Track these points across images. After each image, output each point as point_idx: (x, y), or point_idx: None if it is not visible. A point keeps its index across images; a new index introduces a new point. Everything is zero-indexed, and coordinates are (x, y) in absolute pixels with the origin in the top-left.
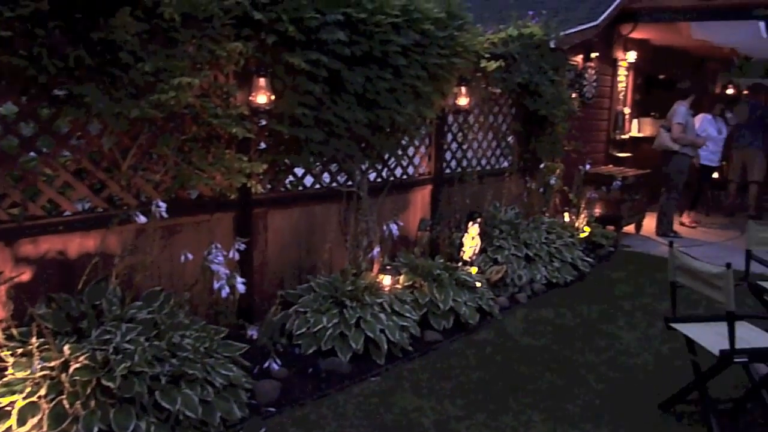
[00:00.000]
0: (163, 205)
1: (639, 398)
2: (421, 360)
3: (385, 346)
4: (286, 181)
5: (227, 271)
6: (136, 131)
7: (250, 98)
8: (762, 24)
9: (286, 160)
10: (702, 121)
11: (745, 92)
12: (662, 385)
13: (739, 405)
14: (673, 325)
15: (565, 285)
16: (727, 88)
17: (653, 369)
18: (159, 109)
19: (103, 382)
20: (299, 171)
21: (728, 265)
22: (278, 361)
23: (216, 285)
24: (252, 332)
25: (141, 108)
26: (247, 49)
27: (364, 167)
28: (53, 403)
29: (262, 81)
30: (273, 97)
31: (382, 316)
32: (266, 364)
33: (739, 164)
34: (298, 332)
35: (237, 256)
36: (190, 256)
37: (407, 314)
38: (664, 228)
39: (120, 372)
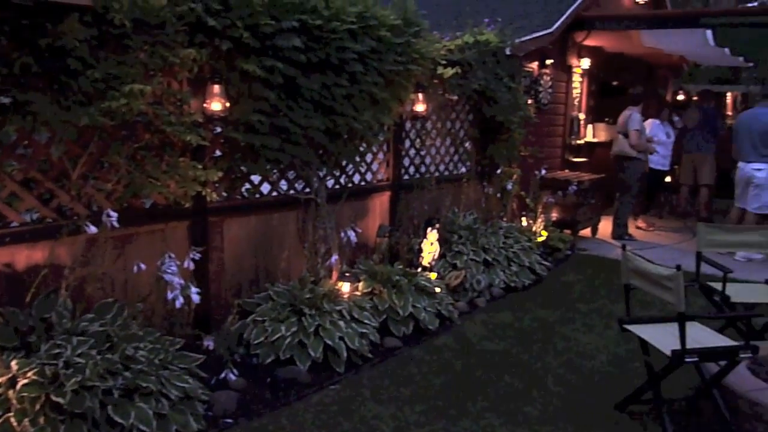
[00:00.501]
0: (114, 215)
1: (596, 399)
2: (380, 367)
3: (345, 354)
4: (243, 189)
5: (181, 281)
6: (87, 139)
7: (205, 105)
8: (709, 32)
9: (242, 168)
10: (652, 126)
11: (695, 98)
12: (618, 386)
13: (691, 404)
14: (627, 326)
15: (523, 289)
16: (677, 94)
17: (609, 370)
18: (110, 117)
19: (53, 397)
20: (256, 178)
21: (678, 267)
22: (235, 371)
23: (170, 295)
24: (208, 342)
25: (91, 115)
26: (201, 56)
27: (321, 174)
28: (0, 420)
29: (216, 88)
30: (228, 104)
31: (341, 323)
32: (223, 375)
33: (690, 168)
34: (256, 341)
35: (192, 266)
36: (143, 267)
37: (366, 321)
38: (619, 231)
39: (70, 387)
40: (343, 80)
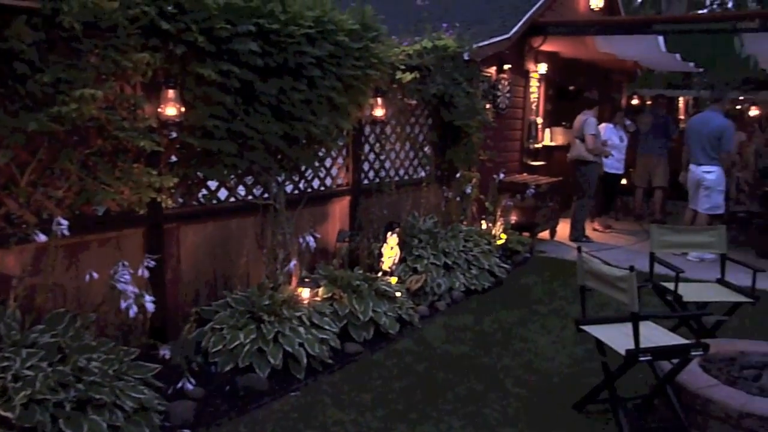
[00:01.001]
0: (64, 223)
1: (554, 400)
2: (341, 372)
3: (305, 360)
4: (200, 195)
5: (135, 290)
6: (36, 145)
7: (159, 110)
8: (660, 38)
9: (199, 173)
10: (606, 130)
11: (649, 102)
12: (576, 386)
13: (646, 402)
14: (583, 327)
15: (483, 291)
16: (631, 99)
17: (567, 370)
18: (60, 122)
19: (1, 412)
20: (213, 184)
21: (631, 268)
22: (192, 380)
23: (123, 305)
24: (164, 352)
25: (39, 121)
26: (155, 60)
27: (280, 179)
28: None
29: (171, 92)
30: (183, 109)
31: (301, 329)
32: (180, 385)
33: (644, 171)
34: (215, 350)
35: (146, 274)
36: (96, 275)
37: (327, 327)
38: (576, 233)
39: (19, 401)
40: (301, 85)
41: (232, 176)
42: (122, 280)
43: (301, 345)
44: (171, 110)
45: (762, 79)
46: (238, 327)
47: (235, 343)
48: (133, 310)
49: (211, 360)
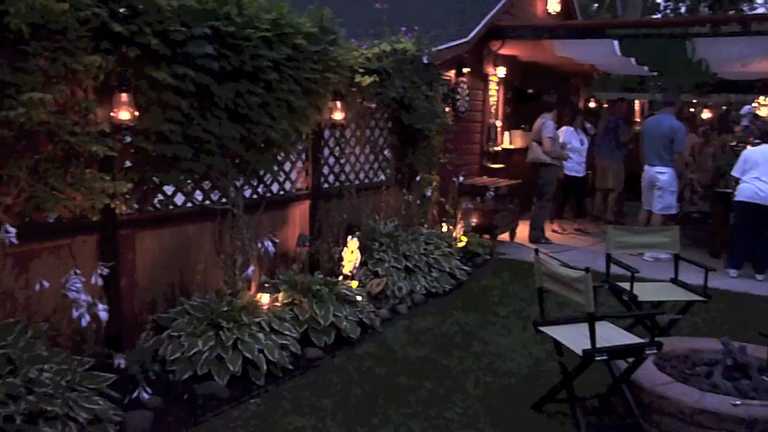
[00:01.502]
0: (12, 231)
1: (514, 401)
2: (302, 378)
3: (265, 366)
4: (155, 201)
5: (88, 299)
6: None
7: (112, 114)
8: (616, 43)
9: (154, 179)
10: (566, 133)
11: (605, 106)
12: (535, 387)
13: (603, 400)
14: (541, 328)
15: (444, 294)
16: (589, 102)
17: (527, 371)
18: (8, 127)
19: None
20: (170, 189)
21: (587, 270)
22: (148, 389)
23: (75, 314)
24: (119, 361)
25: None
26: (107, 63)
27: (238, 184)
28: None
29: (124, 96)
30: (137, 113)
31: (261, 335)
32: (136, 394)
33: (600, 173)
34: (172, 357)
35: (100, 282)
36: (46, 284)
37: (287, 332)
38: (536, 235)
39: None
40: (258, 88)
41: (189, 181)
42: (74, 288)
43: (260, 351)
44: (124, 114)
45: (714, 83)
46: (197, 334)
47: (194, 351)
48: (86, 319)
49: (169, 368)
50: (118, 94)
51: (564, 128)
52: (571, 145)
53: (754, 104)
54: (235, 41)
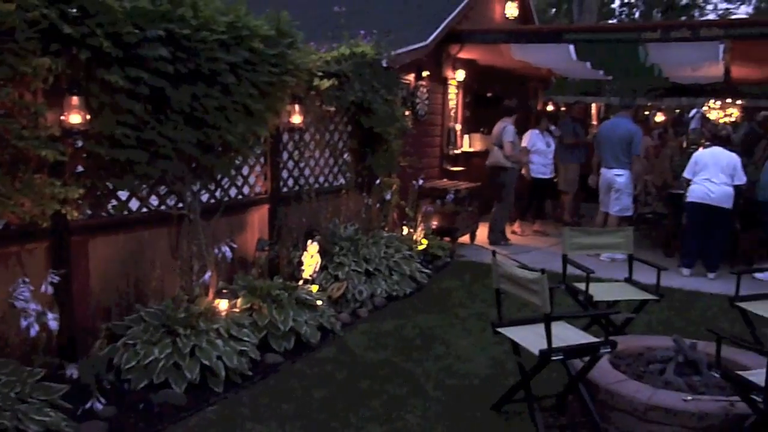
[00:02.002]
0: None
1: (473, 402)
2: (261, 384)
3: (223, 373)
4: (109, 206)
5: (37, 307)
6: None
7: (62, 118)
8: (571, 47)
9: (108, 184)
10: (531, 137)
11: (563, 109)
12: (495, 387)
13: (560, 399)
14: (499, 329)
15: (404, 297)
16: (547, 105)
17: (487, 373)
18: None
19: None
20: (124, 194)
21: (542, 271)
22: (102, 399)
23: (24, 323)
24: (71, 371)
25: None
26: (57, 66)
27: (195, 188)
28: None
29: (75, 99)
30: (89, 117)
31: (219, 342)
32: (89, 405)
33: (558, 175)
34: (128, 366)
35: (50, 290)
36: None
37: (246, 338)
38: (495, 237)
39: None
40: (214, 92)
41: (144, 186)
42: (21, 297)
43: (219, 358)
44: (75, 118)
45: (667, 87)
46: (153, 342)
47: (150, 359)
48: (35, 329)
49: (124, 377)
50: (68, 98)
51: (530, 131)
52: (536, 147)
53: (704, 107)
54: (190, 44)
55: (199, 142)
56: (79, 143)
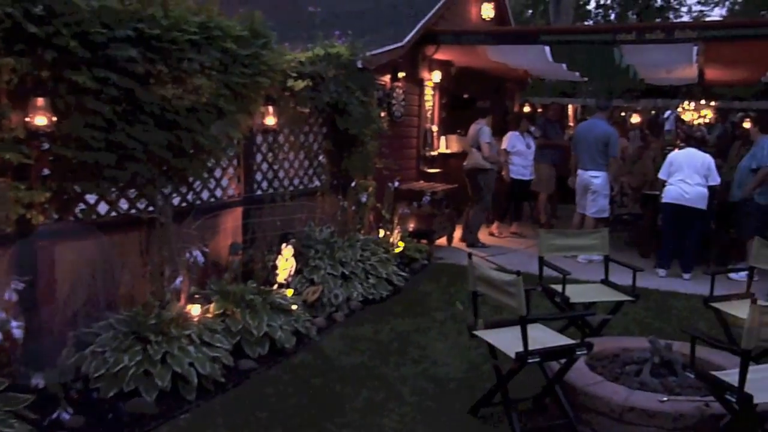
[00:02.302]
0: None
1: (451, 405)
2: (235, 391)
3: (196, 380)
4: (77, 210)
5: (1, 315)
6: None
7: (27, 120)
8: (547, 48)
9: (75, 187)
10: (511, 138)
11: (540, 110)
12: (472, 391)
13: (537, 402)
14: (476, 332)
15: (381, 301)
16: (523, 106)
17: (464, 376)
18: None
19: None
20: (92, 198)
21: (518, 273)
22: (70, 409)
23: None
24: (37, 381)
25: None
26: (22, 66)
27: (166, 191)
28: None
29: (40, 101)
30: (55, 119)
31: (191, 348)
32: (56, 415)
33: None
34: (96, 375)
35: (14, 297)
36: None
37: (218, 344)
38: (472, 239)
39: None
40: (186, 93)
41: (113, 189)
42: None
43: (191, 365)
44: (41, 120)
45: (642, 89)
46: (122, 349)
47: (119, 367)
48: None
49: (93, 386)
50: (33, 99)
51: (510, 133)
52: (516, 149)
53: (678, 109)
54: (161, 44)
55: (170, 144)
56: (45, 145)
